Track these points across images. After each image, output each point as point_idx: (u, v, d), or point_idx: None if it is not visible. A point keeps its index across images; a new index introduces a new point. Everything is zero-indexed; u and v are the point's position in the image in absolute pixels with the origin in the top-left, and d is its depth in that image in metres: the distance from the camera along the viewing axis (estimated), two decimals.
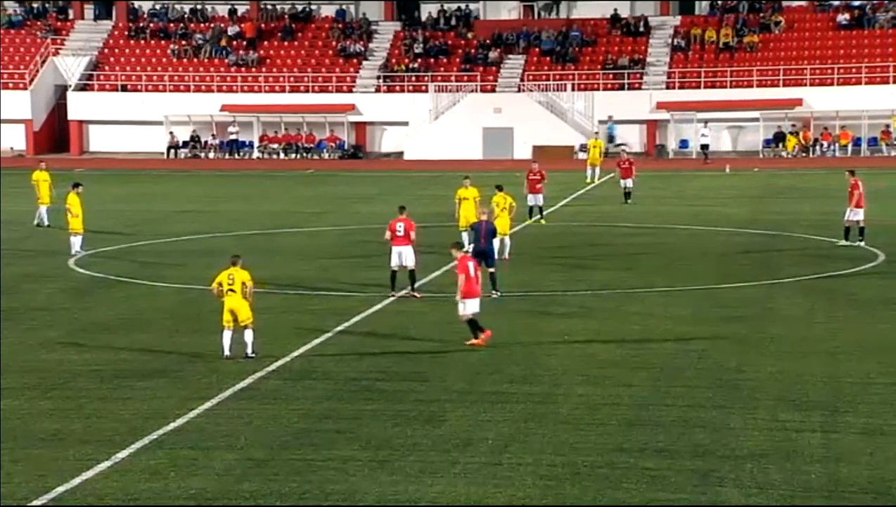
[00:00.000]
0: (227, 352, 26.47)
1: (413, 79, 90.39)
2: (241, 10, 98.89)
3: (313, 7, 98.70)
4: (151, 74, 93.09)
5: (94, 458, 19.74)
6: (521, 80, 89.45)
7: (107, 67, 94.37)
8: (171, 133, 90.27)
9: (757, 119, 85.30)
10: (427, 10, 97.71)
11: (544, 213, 50.03)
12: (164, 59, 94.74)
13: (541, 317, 31.32)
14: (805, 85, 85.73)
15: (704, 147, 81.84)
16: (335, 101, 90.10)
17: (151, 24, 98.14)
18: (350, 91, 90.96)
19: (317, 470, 19.23)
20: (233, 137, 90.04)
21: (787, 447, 20.20)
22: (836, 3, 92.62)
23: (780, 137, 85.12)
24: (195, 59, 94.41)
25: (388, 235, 34.22)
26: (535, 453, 20.03)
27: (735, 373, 25.38)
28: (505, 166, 72.07)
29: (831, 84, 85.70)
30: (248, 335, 26.59)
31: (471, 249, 34.95)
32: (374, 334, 29.36)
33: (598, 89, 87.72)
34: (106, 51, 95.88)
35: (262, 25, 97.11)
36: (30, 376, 25.48)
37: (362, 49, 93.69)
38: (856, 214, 42.76)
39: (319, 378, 25.17)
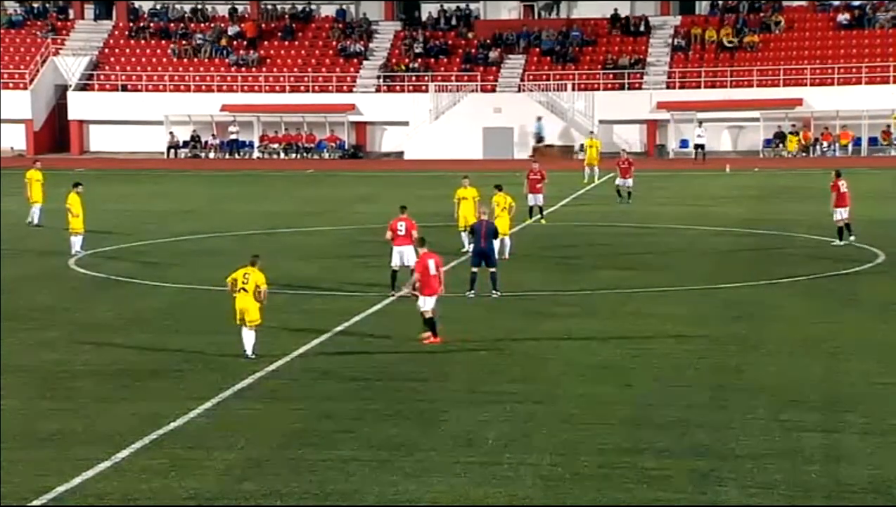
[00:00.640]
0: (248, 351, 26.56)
1: (413, 79, 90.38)
2: (241, 9, 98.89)
3: (313, 7, 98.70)
4: (152, 74, 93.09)
5: (95, 458, 19.75)
6: (522, 80, 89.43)
7: (107, 67, 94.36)
8: (171, 133, 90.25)
9: (757, 119, 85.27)
10: (427, 10, 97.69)
11: (544, 213, 50.03)
12: (165, 59, 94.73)
13: (541, 317, 31.32)
14: (805, 85, 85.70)
15: (700, 147, 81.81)
16: (335, 101, 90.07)
17: (152, 24, 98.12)
18: (350, 91, 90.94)
19: (317, 470, 19.23)
20: (233, 136, 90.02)
21: (787, 447, 20.22)
22: (837, 2, 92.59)
23: (780, 137, 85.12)
24: (195, 59, 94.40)
25: (389, 234, 34.29)
26: (536, 452, 20.04)
27: (735, 373, 25.40)
28: (505, 166, 72.04)
29: (831, 84, 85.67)
30: (251, 337, 26.61)
31: (471, 249, 34.96)
32: (373, 334, 29.35)
33: (598, 89, 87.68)
34: (106, 51, 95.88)
35: (263, 25, 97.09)
36: (30, 376, 25.49)
37: (362, 49, 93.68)
38: (841, 214, 42.89)
39: (319, 378, 25.18)
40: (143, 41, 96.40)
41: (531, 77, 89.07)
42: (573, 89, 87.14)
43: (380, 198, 60.59)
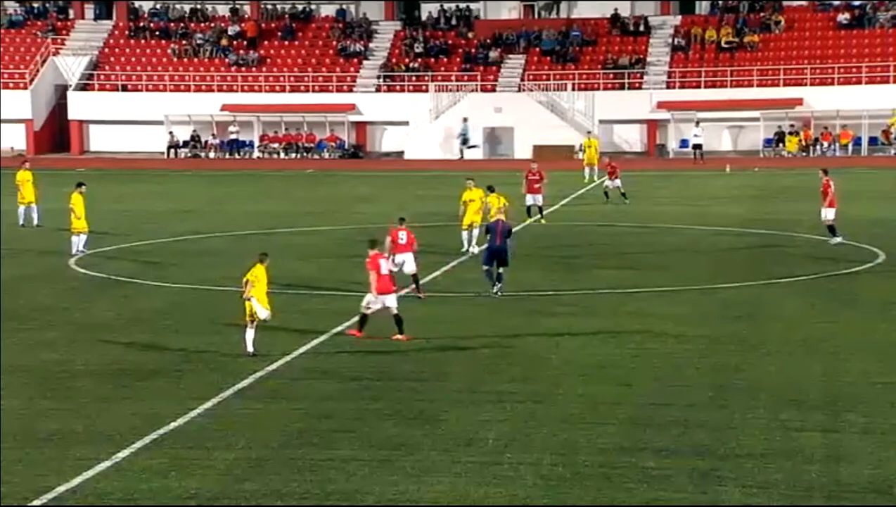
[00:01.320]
0: (249, 349, 26.72)
1: (413, 78, 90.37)
2: (241, 9, 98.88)
3: (313, 7, 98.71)
4: (152, 74, 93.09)
5: (95, 458, 19.76)
6: (522, 79, 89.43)
7: (107, 67, 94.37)
8: (171, 133, 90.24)
9: (757, 119, 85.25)
10: (427, 10, 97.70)
11: (544, 212, 50.04)
12: (165, 59, 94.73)
13: (541, 317, 31.32)
14: (805, 84, 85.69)
15: (697, 147, 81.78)
16: (335, 100, 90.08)
17: (152, 24, 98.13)
18: (350, 91, 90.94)
19: (317, 470, 19.24)
20: (233, 136, 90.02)
21: (787, 447, 20.22)
22: (837, 2, 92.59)
23: (780, 137, 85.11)
24: (195, 59, 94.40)
25: (388, 243, 34.33)
26: (536, 452, 20.04)
27: (735, 373, 25.40)
28: (505, 166, 72.03)
29: (832, 84, 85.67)
30: (249, 334, 26.70)
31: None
32: (374, 334, 29.33)
33: (598, 89, 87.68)
34: (106, 50, 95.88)
35: (263, 25, 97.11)
36: (30, 376, 25.50)
37: (362, 49, 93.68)
38: (831, 214, 43.03)
39: (320, 378, 25.18)
40: (143, 41, 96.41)
41: (531, 77, 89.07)
42: (573, 89, 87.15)
43: (380, 198, 60.60)
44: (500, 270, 34.00)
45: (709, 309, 32.39)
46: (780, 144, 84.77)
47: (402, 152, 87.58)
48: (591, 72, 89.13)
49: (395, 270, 34.02)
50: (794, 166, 76.73)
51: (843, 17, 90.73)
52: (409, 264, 34.05)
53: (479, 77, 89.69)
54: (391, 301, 28.47)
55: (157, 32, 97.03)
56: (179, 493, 18.32)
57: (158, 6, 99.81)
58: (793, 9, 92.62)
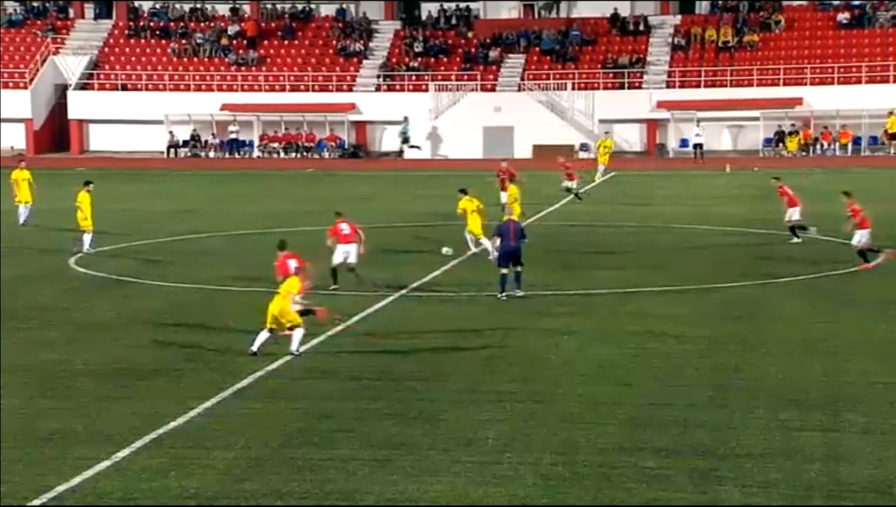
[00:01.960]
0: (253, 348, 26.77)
1: (413, 78, 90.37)
2: (241, 9, 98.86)
3: (313, 6, 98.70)
4: (151, 74, 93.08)
5: (95, 457, 19.75)
6: (522, 79, 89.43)
7: (107, 66, 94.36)
8: (171, 132, 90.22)
9: (757, 118, 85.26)
10: (427, 10, 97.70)
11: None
12: (165, 59, 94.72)
13: (541, 316, 31.31)
14: (805, 84, 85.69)
15: (698, 147, 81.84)
16: (335, 100, 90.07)
17: (151, 24, 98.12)
18: (350, 90, 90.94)
19: (317, 470, 19.24)
20: (233, 136, 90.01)
21: (787, 447, 20.22)
22: (837, 2, 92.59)
23: (780, 137, 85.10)
24: (195, 59, 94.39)
25: (329, 240, 35.34)
26: (536, 452, 20.04)
27: (735, 373, 25.40)
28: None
29: (831, 83, 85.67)
30: (263, 335, 26.85)
31: (499, 249, 34.52)
32: (373, 333, 29.34)
33: (598, 89, 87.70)
34: (106, 50, 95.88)
35: (263, 25, 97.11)
36: (30, 376, 25.49)
37: (362, 48, 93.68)
38: (794, 214, 43.99)
39: (319, 378, 25.18)
40: (142, 40, 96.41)
41: (531, 76, 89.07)
42: (573, 89, 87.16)
43: (379, 197, 60.58)
44: (518, 268, 33.83)
45: (709, 309, 32.38)
46: (780, 144, 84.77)
47: (401, 152, 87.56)
48: (591, 71, 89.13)
49: (342, 261, 34.66)
50: (794, 166, 76.69)
51: (843, 16, 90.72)
52: (351, 254, 35.00)
53: (478, 77, 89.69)
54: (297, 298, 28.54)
55: (157, 32, 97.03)
56: (179, 493, 18.32)
57: (158, 6, 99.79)
58: (793, 8, 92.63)
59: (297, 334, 26.81)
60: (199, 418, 22.20)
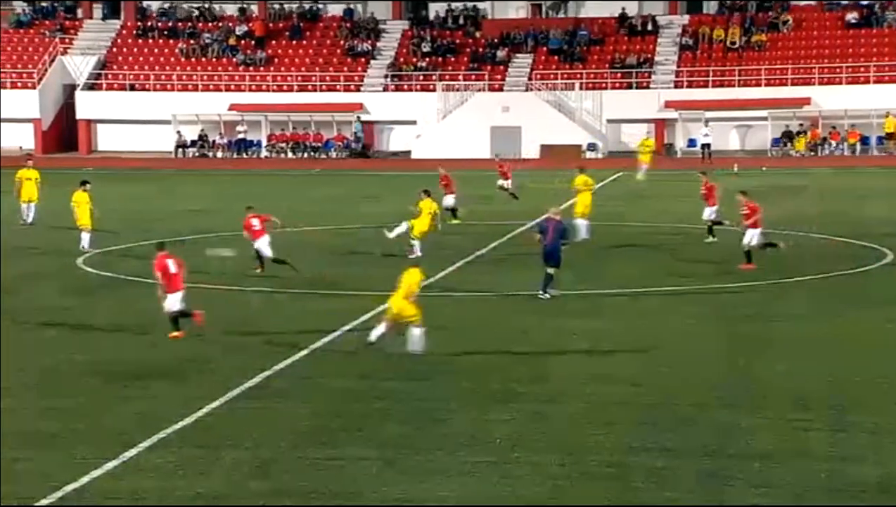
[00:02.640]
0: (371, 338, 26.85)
1: (421, 78, 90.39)
2: (249, 9, 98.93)
3: (321, 6, 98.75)
4: (159, 74, 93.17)
5: (102, 457, 19.73)
6: (529, 79, 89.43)
7: (115, 67, 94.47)
8: (178, 132, 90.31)
9: (765, 118, 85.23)
10: (435, 10, 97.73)
11: (458, 213, 50.15)
12: (173, 59, 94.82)
13: (548, 316, 31.27)
14: (813, 84, 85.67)
15: (706, 147, 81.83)
16: (343, 100, 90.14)
17: (160, 24, 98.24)
18: (358, 90, 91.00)
19: (324, 470, 19.21)
20: (241, 136, 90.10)
21: (795, 447, 20.19)
22: (845, 1, 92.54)
23: (788, 137, 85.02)
24: (203, 59, 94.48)
25: (246, 234, 37.15)
26: (544, 452, 20.00)
27: (743, 372, 25.36)
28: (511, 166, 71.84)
29: (840, 83, 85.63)
30: (383, 327, 26.89)
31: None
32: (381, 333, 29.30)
33: (606, 88, 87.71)
34: (114, 50, 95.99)
35: (270, 25, 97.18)
36: (30, 376, 25.46)
37: (370, 48, 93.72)
38: (712, 213, 44.51)
39: (326, 377, 25.15)
40: (150, 41, 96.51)
41: (539, 76, 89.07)
42: (581, 88, 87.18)
43: (386, 197, 60.54)
44: (549, 270, 33.40)
45: (717, 308, 32.34)
46: (788, 144, 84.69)
47: (409, 152, 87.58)
48: (599, 71, 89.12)
49: (264, 255, 36.61)
50: (803, 166, 76.64)
51: (852, 16, 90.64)
52: (264, 248, 36.64)
53: (486, 76, 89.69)
54: (175, 301, 28.57)
55: (165, 32, 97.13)
56: (187, 492, 18.30)
57: (166, 6, 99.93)
58: (801, 8, 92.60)
59: (417, 332, 26.66)
60: (207, 418, 22.18)
